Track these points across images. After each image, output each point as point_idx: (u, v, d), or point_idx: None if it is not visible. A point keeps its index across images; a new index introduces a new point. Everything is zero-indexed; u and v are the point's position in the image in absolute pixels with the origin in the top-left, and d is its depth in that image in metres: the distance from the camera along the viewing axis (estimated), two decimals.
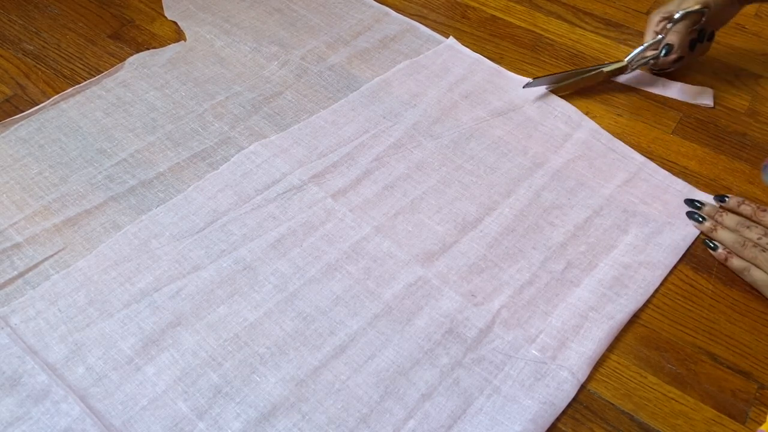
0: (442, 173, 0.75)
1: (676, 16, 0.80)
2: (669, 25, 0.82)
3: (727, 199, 0.72)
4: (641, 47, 0.84)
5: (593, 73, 0.84)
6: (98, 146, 0.75)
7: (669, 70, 0.87)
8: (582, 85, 0.84)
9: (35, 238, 0.66)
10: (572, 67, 0.89)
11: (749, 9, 1.01)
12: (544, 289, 0.66)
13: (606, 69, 0.84)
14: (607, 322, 0.63)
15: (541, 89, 0.84)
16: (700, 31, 0.83)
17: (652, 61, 0.84)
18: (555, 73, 0.83)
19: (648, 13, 0.99)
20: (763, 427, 0.58)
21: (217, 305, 0.63)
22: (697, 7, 0.79)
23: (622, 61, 0.85)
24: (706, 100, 0.86)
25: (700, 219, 0.71)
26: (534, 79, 0.82)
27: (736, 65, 0.92)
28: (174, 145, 0.76)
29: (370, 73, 0.86)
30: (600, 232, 0.70)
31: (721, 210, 0.71)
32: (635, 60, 0.84)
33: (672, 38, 0.81)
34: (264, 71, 0.85)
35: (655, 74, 0.88)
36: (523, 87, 0.82)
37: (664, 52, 0.81)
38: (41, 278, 0.64)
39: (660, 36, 0.83)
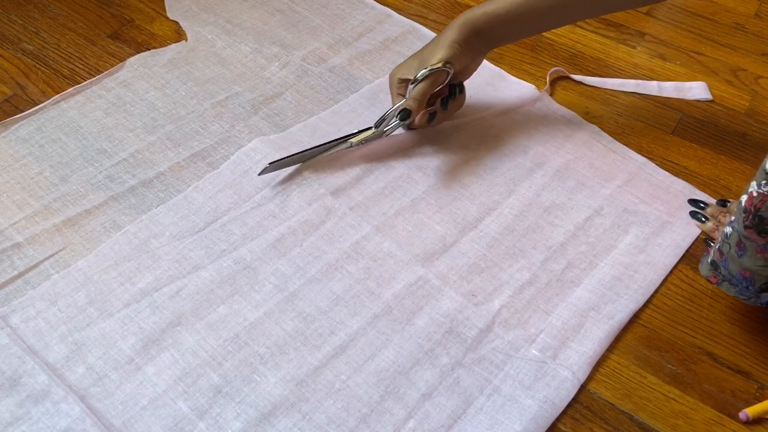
0: (442, 172, 0.75)
1: (419, 75, 0.71)
2: (410, 87, 0.72)
3: (728, 203, 0.72)
4: (388, 111, 0.74)
5: (341, 145, 0.74)
6: (98, 146, 0.75)
7: (426, 128, 0.78)
8: (330, 158, 0.75)
9: (35, 238, 0.66)
10: (571, 68, 0.89)
11: (749, 9, 1.01)
12: (544, 288, 0.66)
13: (354, 139, 0.74)
14: (607, 322, 0.63)
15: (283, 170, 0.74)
16: (451, 87, 0.76)
17: (408, 122, 0.74)
18: (297, 153, 0.73)
19: (648, 12, 0.99)
20: (748, 410, 0.58)
21: (217, 305, 0.63)
22: (439, 65, 0.71)
23: (370, 127, 0.75)
24: (704, 94, 0.86)
25: (703, 219, 0.71)
26: (270, 163, 0.71)
27: (736, 65, 0.92)
28: (174, 144, 0.76)
29: (371, 74, 0.86)
30: (600, 232, 0.70)
31: (723, 210, 0.71)
32: (385, 124, 0.74)
33: (410, 104, 0.71)
34: (265, 72, 0.85)
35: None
36: (259, 174, 0.71)
37: (400, 117, 0.71)
38: (41, 278, 0.64)
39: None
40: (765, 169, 0.53)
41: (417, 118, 0.74)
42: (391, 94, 0.77)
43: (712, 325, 0.65)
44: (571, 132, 0.81)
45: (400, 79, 0.74)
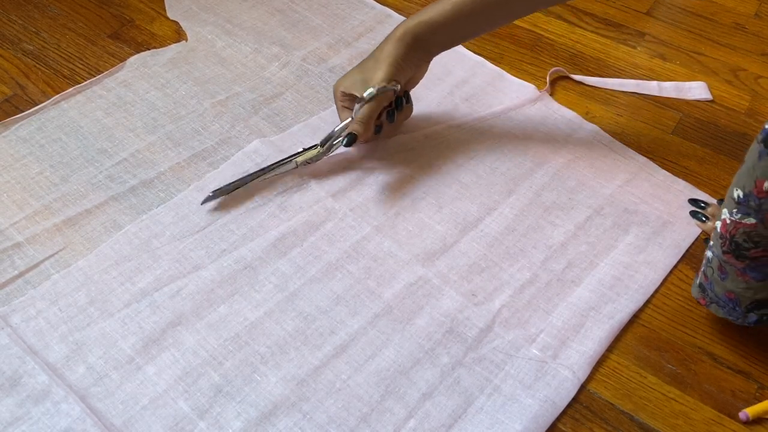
0: (442, 172, 0.75)
1: (365, 95, 0.69)
2: (356, 107, 0.71)
3: None
4: (337, 128, 0.72)
5: (285, 166, 0.72)
6: (99, 146, 0.75)
7: (373, 141, 0.77)
8: (275, 180, 0.73)
9: (36, 238, 0.66)
10: (571, 68, 0.89)
11: (749, 9, 1.01)
12: (544, 288, 0.66)
13: (299, 158, 0.72)
14: (607, 322, 0.63)
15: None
16: (397, 99, 0.73)
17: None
18: (239, 179, 0.71)
19: (648, 12, 0.99)
20: (747, 410, 0.58)
21: (217, 305, 0.63)
22: (383, 84, 0.69)
23: (315, 146, 0.73)
24: (704, 94, 0.86)
25: (704, 219, 0.71)
26: (213, 192, 0.69)
27: (736, 65, 0.92)
28: (174, 144, 0.76)
29: None
30: (600, 232, 0.70)
31: None
32: (330, 142, 0.72)
33: (356, 128, 0.70)
34: (265, 72, 0.85)
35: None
36: (202, 203, 0.70)
37: (345, 142, 0.70)
38: (42, 278, 0.64)
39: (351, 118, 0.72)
40: (733, 197, 0.54)
41: None
42: (336, 106, 0.75)
43: (712, 325, 0.65)
44: (571, 132, 0.81)
45: (343, 92, 0.72)
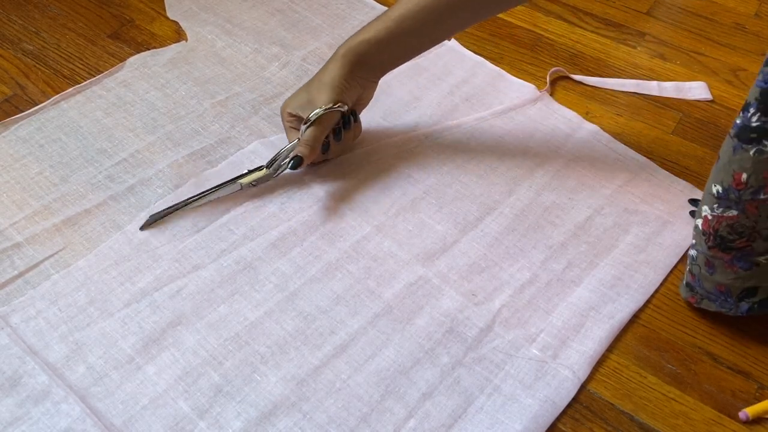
0: (442, 172, 0.75)
1: (311, 116, 0.68)
2: (302, 128, 0.69)
3: None
4: (283, 149, 0.71)
5: (229, 187, 0.70)
6: (98, 146, 0.75)
7: (321, 160, 0.75)
8: (218, 202, 0.71)
9: (35, 238, 0.66)
10: (571, 68, 0.89)
11: (749, 9, 1.01)
12: (544, 288, 0.66)
13: (244, 180, 0.70)
14: (607, 322, 0.63)
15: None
16: (344, 117, 0.72)
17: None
18: (180, 203, 0.69)
19: (648, 12, 0.99)
20: (747, 410, 0.59)
21: (217, 304, 0.63)
22: (329, 105, 0.68)
23: (261, 167, 0.71)
24: (704, 94, 0.87)
25: None
26: (151, 215, 0.68)
27: (736, 65, 0.92)
28: (174, 144, 0.76)
29: None
30: (601, 232, 0.70)
31: None
32: (278, 163, 0.71)
33: (302, 150, 0.68)
34: (265, 72, 0.85)
35: None
36: (141, 229, 0.68)
37: (291, 165, 0.68)
38: (41, 278, 0.64)
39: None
40: (711, 193, 0.57)
41: None
42: (284, 127, 0.74)
43: (712, 325, 0.65)
44: (571, 132, 0.81)
45: (289, 113, 0.71)
